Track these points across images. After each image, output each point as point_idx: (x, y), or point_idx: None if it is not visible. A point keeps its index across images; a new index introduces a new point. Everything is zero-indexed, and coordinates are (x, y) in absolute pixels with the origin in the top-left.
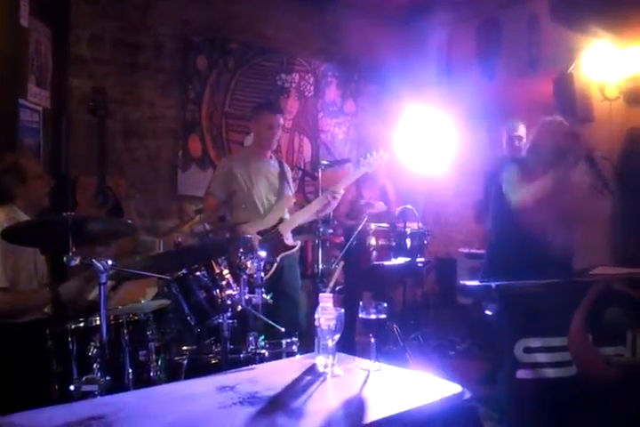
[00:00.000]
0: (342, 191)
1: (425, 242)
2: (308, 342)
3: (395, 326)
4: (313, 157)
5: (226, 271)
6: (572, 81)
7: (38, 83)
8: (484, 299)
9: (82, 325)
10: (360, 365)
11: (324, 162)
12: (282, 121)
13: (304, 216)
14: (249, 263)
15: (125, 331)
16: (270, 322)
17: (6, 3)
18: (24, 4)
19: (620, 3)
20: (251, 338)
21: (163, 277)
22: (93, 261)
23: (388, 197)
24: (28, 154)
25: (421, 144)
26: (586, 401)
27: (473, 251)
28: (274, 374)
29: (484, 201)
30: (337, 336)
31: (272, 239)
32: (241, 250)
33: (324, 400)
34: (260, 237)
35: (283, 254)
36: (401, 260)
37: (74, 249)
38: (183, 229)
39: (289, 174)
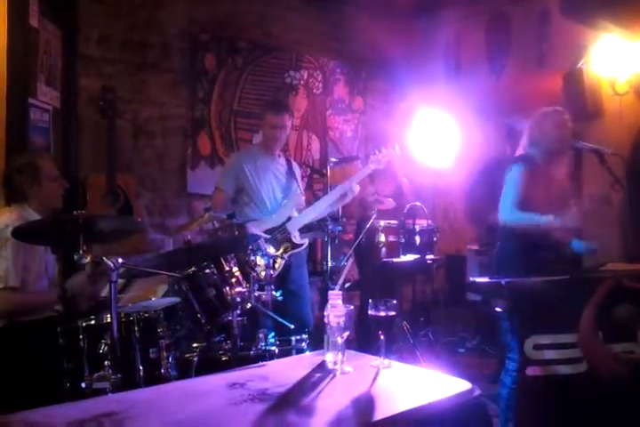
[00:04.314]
0: (358, 187)
1: (434, 239)
2: (318, 339)
3: (404, 323)
4: (321, 154)
5: (235, 269)
6: (582, 76)
7: (48, 82)
8: (494, 296)
9: (93, 322)
10: (370, 362)
11: (333, 159)
12: (288, 121)
13: (312, 214)
14: (258, 261)
15: (136, 328)
16: (280, 319)
17: (16, 3)
18: (33, 4)
19: None
20: (260, 335)
21: (173, 274)
22: (104, 259)
23: (403, 194)
24: (47, 155)
25: (430, 141)
26: (596, 398)
27: (482, 248)
28: (284, 371)
29: (479, 200)
30: (346, 333)
31: (280, 237)
32: (250, 247)
33: (334, 397)
34: (267, 236)
35: (290, 252)
36: (410, 257)
37: (84, 248)
38: (192, 227)
39: (297, 172)
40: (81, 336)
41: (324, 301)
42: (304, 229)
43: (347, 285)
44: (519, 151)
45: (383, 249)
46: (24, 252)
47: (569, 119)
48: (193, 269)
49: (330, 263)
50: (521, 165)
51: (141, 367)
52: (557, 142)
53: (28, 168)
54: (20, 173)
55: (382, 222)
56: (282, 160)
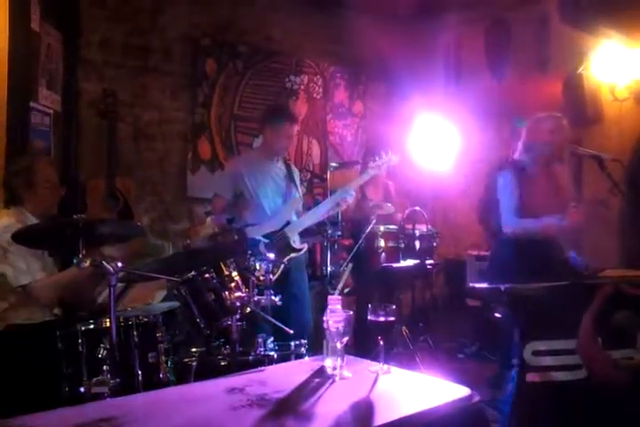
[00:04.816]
0: (354, 193)
1: (434, 244)
2: (317, 344)
3: (404, 328)
4: (322, 159)
5: (234, 273)
6: (582, 82)
7: (49, 86)
8: (494, 301)
9: (92, 327)
10: (369, 367)
11: (333, 164)
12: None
13: (311, 219)
14: (257, 265)
15: (135, 333)
16: (279, 324)
17: (17, 7)
18: (35, 8)
19: (630, 3)
20: (260, 340)
21: (172, 279)
22: (103, 263)
23: (390, 197)
24: (47, 158)
25: (430, 145)
26: (596, 404)
27: (482, 253)
28: (283, 377)
29: (487, 202)
30: (345, 338)
31: (279, 242)
32: (249, 252)
33: (333, 403)
34: (266, 241)
35: (290, 257)
36: (410, 262)
37: (84, 251)
38: (192, 232)
39: (296, 176)
40: (80, 341)
41: (322, 306)
42: (303, 234)
43: (346, 290)
44: (515, 156)
45: (382, 254)
46: (26, 255)
47: (566, 124)
48: (192, 273)
49: (329, 268)
50: (508, 173)
51: (140, 372)
52: (551, 147)
53: (24, 172)
54: (17, 176)
55: (382, 227)
56: (281, 164)
